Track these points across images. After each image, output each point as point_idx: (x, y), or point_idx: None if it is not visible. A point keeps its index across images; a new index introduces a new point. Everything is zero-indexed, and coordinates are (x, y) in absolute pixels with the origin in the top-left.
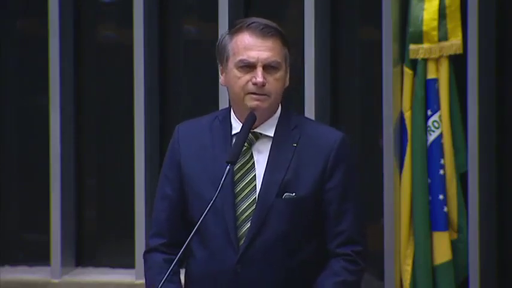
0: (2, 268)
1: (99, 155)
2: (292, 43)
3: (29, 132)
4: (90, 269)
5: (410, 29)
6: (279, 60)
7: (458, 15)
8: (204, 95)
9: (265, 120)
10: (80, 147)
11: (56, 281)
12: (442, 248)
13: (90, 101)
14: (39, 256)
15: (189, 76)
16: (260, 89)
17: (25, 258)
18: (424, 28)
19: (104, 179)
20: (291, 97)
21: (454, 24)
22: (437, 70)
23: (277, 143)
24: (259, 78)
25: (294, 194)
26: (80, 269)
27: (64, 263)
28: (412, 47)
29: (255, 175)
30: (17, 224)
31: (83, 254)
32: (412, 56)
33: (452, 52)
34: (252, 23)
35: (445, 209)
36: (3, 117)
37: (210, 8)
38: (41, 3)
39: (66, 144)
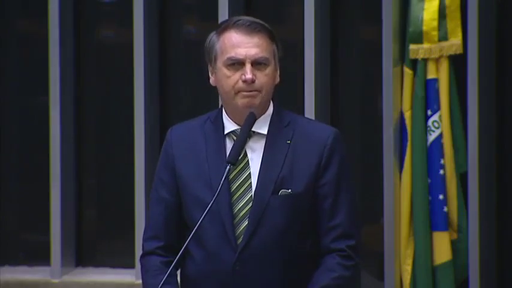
0: (2, 268)
1: (99, 155)
2: (292, 43)
3: (29, 132)
4: (90, 269)
5: (410, 29)
6: (267, 56)
7: (458, 15)
8: (204, 95)
9: (258, 118)
10: (80, 147)
11: (56, 281)
12: (442, 248)
13: (90, 101)
14: (39, 256)
15: (189, 76)
16: (250, 86)
17: (25, 258)
18: (424, 28)
19: (104, 179)
20: (291, 97)
21: (454, 24)
22: (437, 70)
23: (271, 141)
24: (248, 75)
25: (289, 190)
26: (80, 269)
27: (64, 263)
28: (412, 47)
29: (250, 173)
30: (17, 224)
31: (83, 254)
32: (412, 56)
33: (452, 52)
34: (238, 20)
35: (445, 209)
36: (3, 116)
37: (210, 8)
38: (41, 3)
39: (66, 144)
